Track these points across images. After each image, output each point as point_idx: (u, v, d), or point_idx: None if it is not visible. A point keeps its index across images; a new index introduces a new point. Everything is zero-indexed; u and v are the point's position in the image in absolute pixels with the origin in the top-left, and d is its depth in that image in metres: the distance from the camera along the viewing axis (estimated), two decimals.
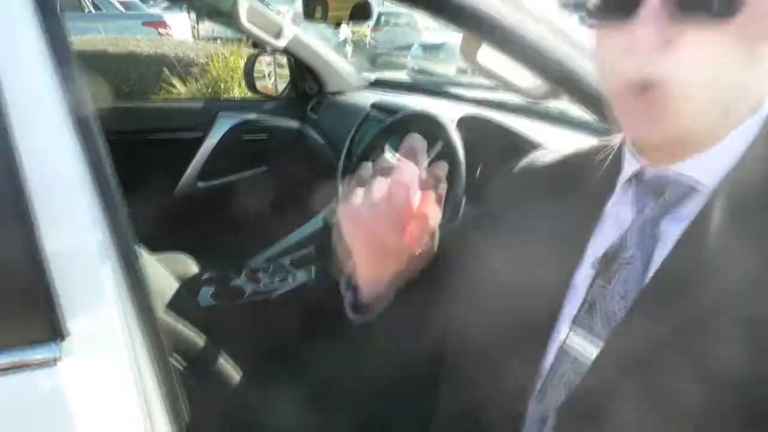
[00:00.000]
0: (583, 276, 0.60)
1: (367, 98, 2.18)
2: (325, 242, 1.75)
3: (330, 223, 1.86)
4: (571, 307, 0.60)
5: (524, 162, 0.77)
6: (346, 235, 0.65)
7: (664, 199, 0.57)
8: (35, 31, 0.59)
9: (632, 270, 0.56)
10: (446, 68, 7.67)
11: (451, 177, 1.27)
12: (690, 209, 0.56)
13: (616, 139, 0.66)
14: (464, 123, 1.44)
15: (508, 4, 0.90)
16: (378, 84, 2.53)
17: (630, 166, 0.61)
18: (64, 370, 0.60)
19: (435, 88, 2.34)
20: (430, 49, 9.43)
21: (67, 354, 0.60)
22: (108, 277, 0.62)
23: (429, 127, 1.40)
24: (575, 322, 0.59)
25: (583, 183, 0.65)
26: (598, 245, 0.61)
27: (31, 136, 0.58)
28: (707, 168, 0.55)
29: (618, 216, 0.60)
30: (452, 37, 6.73)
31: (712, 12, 0.47)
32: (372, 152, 1.63)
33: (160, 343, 0.63)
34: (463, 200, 1.27)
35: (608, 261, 0.58)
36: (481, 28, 0.90)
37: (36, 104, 0.60)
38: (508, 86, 1.13)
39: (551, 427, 0.58)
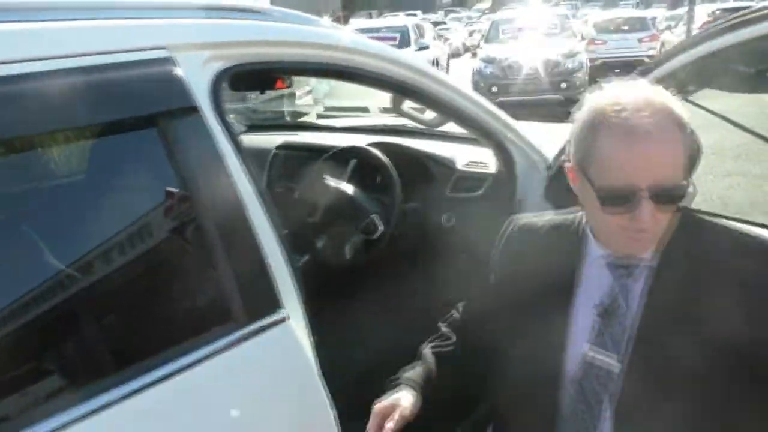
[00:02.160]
0: (584, 316, 1.00)
1: (254, 141, 2.58)
2: None
3: None
4: (581, 335, 1.00)
5: (513, 230, 1.15)
6: None
7: (630, 270, 0.97)
8: None
9: (621, 310, 0.97)
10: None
11: (390, 189, 1.86)
12: (638, 272, 0.97)
13: (574, 217, 1.08)
14: (377, 147, 2.03)
15: (415, 72, 1.52)
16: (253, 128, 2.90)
17: (597, 248, 1.00)
18: (291, 324, 1.10)
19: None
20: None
21: (287, 315, 1.10)
22: (285, 270, 1.13)
23: (364, 156, 1.98)
24: (592, 343, 0.99)
25: (560, 249, 1.05)
26: (589, 294, 1.00)
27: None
28: (648, 256, 0.96)
29: (598, 277, 1.00)
30: None
31: (672, 203, 0.90)
32: (307, 182, 2.10)
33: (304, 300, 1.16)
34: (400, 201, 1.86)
35: (607, 308, 0.98)
36: (405, 91, 1.53)
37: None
38: (419, 121, 1.77)
39: (609, 417, 0.96)
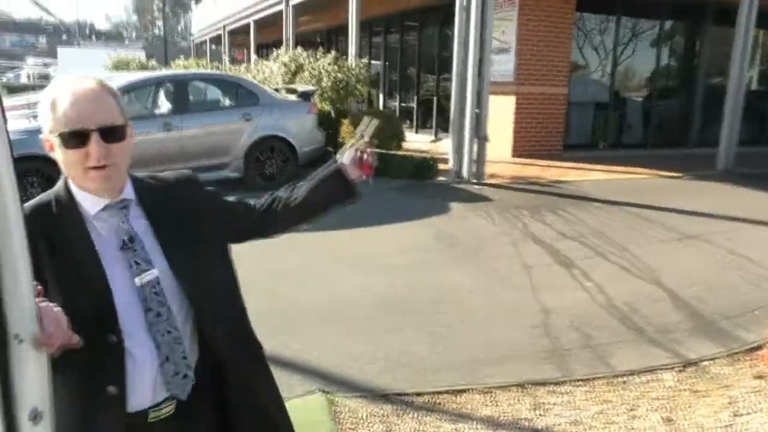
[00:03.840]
0: (116, 257, 1.28)
1: None
2: None
3: None
4: (122, 274, 1.27)
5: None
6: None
7: (126, 209, 1.31)
8: None
9: (136, 236, 1.30)
10: None
11: None
12: (134, 208, 1.33)
13: (53, 191, 1.30)
14: None
15: None
16: None
17: (95, 204, 1.27)
18: None
19: None
20: None
21: None
22: None
23: None
24: (134, 273, 1.28)
25: (60, 222, 1.25)
26: (109, 242, 1.28)
27: None
28: (129, 193, 1.33)
29: (104, 226, 1.29)
30: None
31: (116, 140, 1.25)
32: None
33: None
34: None
35: (129, 244, 1.29)
36: None
37: None
38: None
39: (181, 308, 1.33)
